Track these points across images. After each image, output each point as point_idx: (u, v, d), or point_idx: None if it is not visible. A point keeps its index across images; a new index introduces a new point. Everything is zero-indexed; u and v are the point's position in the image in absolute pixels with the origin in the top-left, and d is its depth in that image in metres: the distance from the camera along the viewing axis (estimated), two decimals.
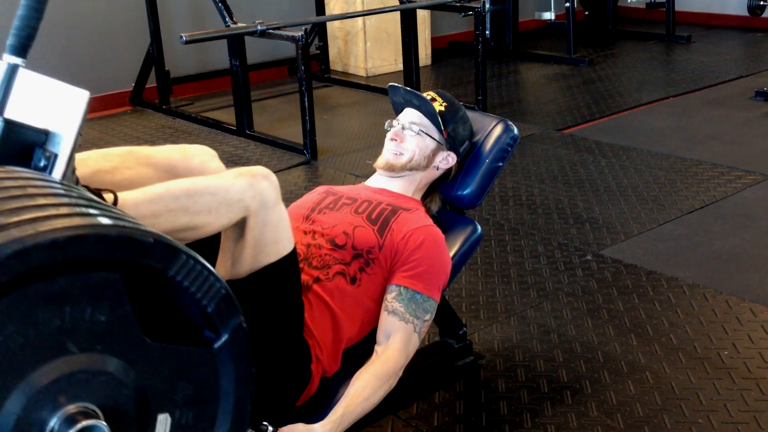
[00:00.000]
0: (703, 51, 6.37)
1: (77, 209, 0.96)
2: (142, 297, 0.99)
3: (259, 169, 1.48)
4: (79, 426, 0.90)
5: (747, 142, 4.25)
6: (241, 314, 1.04)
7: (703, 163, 3.93)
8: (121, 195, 1.27)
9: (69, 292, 0.90)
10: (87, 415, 0.92)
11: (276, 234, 1.52)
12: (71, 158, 1.13)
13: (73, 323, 0.91)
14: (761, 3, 6.72)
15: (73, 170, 1.17)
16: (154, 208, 1.31)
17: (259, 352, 1.55)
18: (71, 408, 0.91)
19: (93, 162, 1.48)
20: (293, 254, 1.58)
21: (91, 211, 0.96)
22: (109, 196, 1.23)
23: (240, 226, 1.48)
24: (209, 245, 1.48)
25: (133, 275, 0.96)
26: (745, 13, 6.92)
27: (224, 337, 1.02)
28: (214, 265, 1.48)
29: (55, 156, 1.12)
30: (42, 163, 1.12)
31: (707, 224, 3.26)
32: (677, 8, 6.84)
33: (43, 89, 1.20)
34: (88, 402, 0.92)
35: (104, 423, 0.92)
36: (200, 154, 1.61)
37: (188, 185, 1.38)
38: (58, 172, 1.12)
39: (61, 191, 1.01)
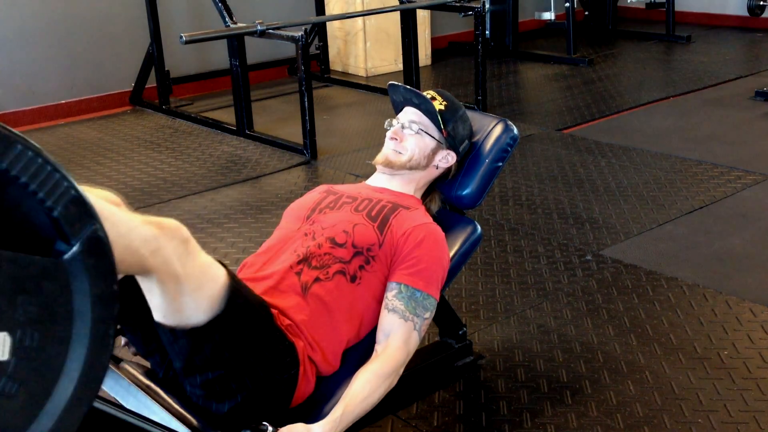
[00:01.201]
0: (703, 51, 6.37)
1: None
2: None
3: (169, 224, 1.38)
4: None
5: (747, 142, 4.25)
6: (98, 221, 0.90)
7: (703, 163, 3.93)
8: None
9: None
10: None
11: (198, 282, 1.43)
12: None
13: None
14: (761, 3, 6.72)
15: None
16: None
17: (242, 365, 1.55)
18: None
19: None
20: (228, 285, 1.49)
21: None
22: None
23: (149, 279, 1.39)
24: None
25: None
26: (745, 13, 6.93)
27: (76, 247, 0.88)
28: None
29: None
30: None
31: (707, 224, 3.26)
32: (677, 8, 6.85)
33: None
34: None
35: None
36: (103, 198, 1.46)
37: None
38: None
39: None
